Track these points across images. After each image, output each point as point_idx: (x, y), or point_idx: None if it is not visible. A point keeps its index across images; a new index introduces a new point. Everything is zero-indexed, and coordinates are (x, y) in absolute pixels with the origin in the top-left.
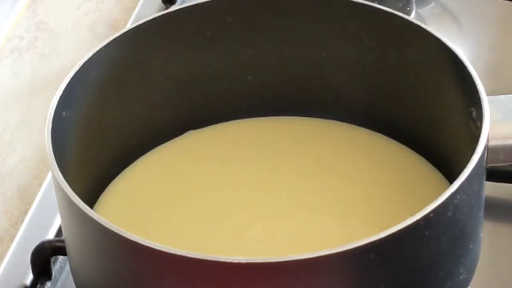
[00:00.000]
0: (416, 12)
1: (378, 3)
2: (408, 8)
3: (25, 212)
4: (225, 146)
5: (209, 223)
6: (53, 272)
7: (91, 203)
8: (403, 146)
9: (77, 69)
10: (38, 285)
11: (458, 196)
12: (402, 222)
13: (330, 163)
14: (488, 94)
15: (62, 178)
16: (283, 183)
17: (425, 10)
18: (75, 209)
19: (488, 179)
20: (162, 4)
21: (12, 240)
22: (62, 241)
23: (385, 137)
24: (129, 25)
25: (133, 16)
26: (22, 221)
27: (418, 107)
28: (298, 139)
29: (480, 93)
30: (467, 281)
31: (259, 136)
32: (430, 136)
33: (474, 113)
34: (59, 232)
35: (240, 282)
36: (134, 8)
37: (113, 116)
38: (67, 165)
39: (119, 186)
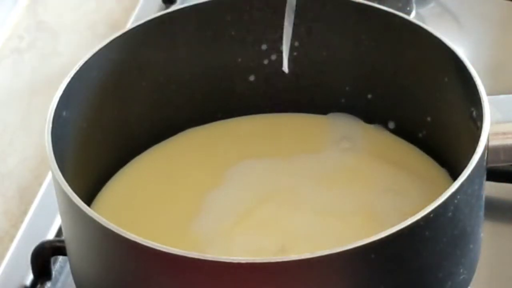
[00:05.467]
0: (416, 12)
1: (378, 3)
2: (408, 8)
3: (25, 212)
4: (224, 144)
5: (208, 222)
6: (53, 272)
7: (91, 203)
8: (410, 145)
9: (77, 69)
10: (38, 285)
11: (458, 196)
12: (402, 222)
13: (333, 160)
14: (488, 94)
15: (62, 178)
16: (284, 181)
17: (425, 10)
18: (75, 209)
19: (488, 179)
20: (162, 4)
21: (12, 240)
22: (62, 241)
23: (390, 134)
24: (129, 25)
25: (133, 16)
26: (22, 221)
27: (419, 107)
28: (298, 136)
29: (480, 93)
30: (467, 281)
31: (259, 133)
32: (432, 136)
33: (474, 113)
34: (59, 232)
35: (240, 282)
36: (134, 8)
37: (113, 116)
38: (67, 165)
39: (116, 185)
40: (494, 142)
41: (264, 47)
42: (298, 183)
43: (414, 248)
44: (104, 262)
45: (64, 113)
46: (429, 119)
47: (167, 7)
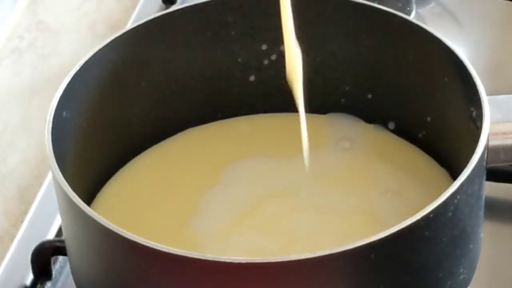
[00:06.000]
0: (416, 12)
1: (378, 3)
2: (408, 8)
3: (25, 212)
4: (224, 143)
5: (209, 222)
6: (53, 272)
7: (91, 203)
8: (410, 145)
9: (77, 69)
10: (38, 285)
11: (458, 196)
12: (402, 222)
13: (333, 160)
14: (488, 94)
15: (62, 178)
16: (284, 180)
17: (425, 10)
18: (75, 209)
19: (488, 179)
20: (162, 4)
21: (12, 240)
22: (62, 241)
23: (390, 134)
24: (129, 25)
25: (133, 16)
26: (22, 221)
27: (419, 107)
28: (298, 136)
29: (480, 93)
30: (467, 281)
31: (259, 133)
32: (433, 136)
33: (474, 113)
34: (59, 232)
35: (240, 282)
36: (134, 8)
37: (113, 116)
38: (67, 165)
39: (116, 185)
40: (494, 142)
41: (264, 47)
42: (298, 183)
43: (414, 248)
44: (104, 262)
45: (64, 113)
46: (429, 119)
47: (167, 7)
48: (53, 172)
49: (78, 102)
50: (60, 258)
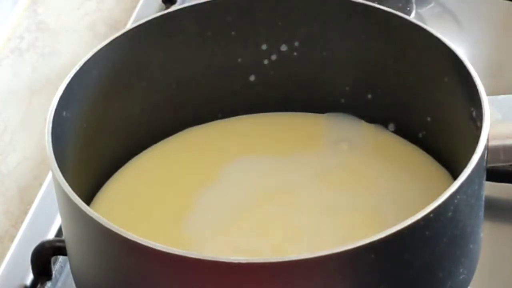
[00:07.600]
0: (416, 12)
1: (378, 3)
2: (408, 8)
3: (25, 212)
4: (224, 143)
5: (209, 221)
6: (53, 272)
7: (91, 202)
8: (410, 145)
9: (77, 69)
10: (38, 285)
11: (458, 196)
12: (402, 222)
13: (332, 160)
14: (488, 94)
15: (62, 178)
16: (284, 180)
17: (425, 10)
18: (75, 208)
19: (488, 179)
20: (162, 4)
21: (12, 240)
22: (62, 241)
23: (390, 134)
24: (129, 25)
25: (133, 16)
26: (22, 221)
27: (419, 107)
28: (298, 136)
29: (480, 93)
30: (467, 281)
31: (259, 132)
32: (432, 136)
33: (474, 113)
34: (59, 232)
35: (240, 282)
36: (134, 8)
37: (113, 116)
38: (67, 165)
39: (116, 185)
40: (494, 142)
41: (264, 47)
42: (297, 183)
43: (414, 248)
44: (104, 262)
45: (64, 113)
46: (429, 119)
47: (167, 7)
48: (53, 172)
49: (78, 102)
50: (60, 258)
